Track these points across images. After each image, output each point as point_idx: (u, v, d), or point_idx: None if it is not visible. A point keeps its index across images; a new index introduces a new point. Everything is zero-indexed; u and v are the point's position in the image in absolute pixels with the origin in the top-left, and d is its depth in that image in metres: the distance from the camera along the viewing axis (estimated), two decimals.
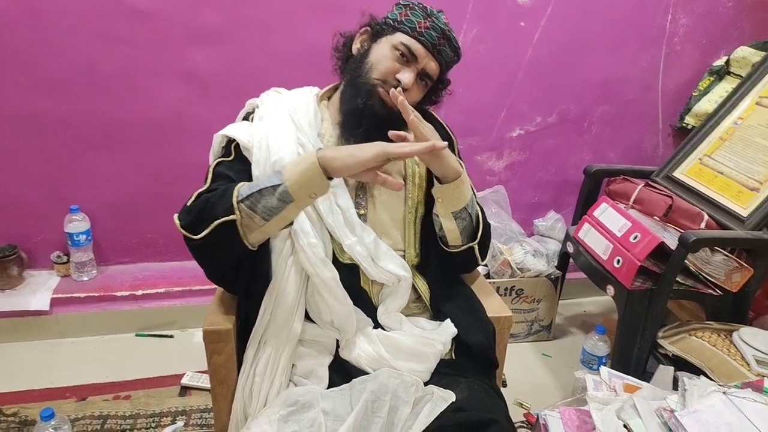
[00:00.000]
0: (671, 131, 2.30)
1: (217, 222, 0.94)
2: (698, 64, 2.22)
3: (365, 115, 1.08)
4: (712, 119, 1.89)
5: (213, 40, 1.85)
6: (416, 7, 1.10)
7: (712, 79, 2.18)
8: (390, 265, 1.10)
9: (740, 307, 1.64)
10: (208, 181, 1.06)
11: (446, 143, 0.99)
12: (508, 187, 2.23)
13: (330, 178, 0.92)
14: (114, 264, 2.11)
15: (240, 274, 1.07)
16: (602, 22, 2.08)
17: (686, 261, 1.53)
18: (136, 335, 1.99)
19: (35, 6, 1.72)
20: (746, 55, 2.08)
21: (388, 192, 1.14)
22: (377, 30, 1.12)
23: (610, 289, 1.63)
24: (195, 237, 0.97)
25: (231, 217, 0.93)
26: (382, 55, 1.09)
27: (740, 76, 2.09)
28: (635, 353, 1.61)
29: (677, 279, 1.54)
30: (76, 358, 1.87)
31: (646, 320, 1.58)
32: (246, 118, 1.17)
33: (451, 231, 1.12)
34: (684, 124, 2.20)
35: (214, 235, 0.95)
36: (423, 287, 1.18)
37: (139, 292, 1.99)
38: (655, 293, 1.55)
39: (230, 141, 1.10)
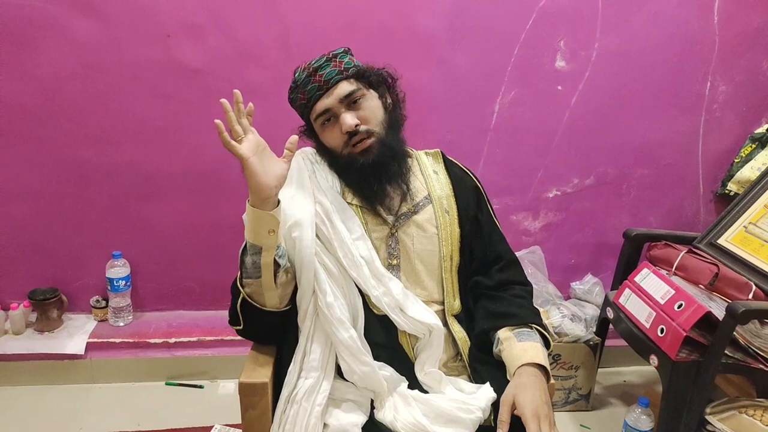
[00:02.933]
0: (713, 197, 2.26)
1: (238, 308, 1.06)
2: (739, 130, 2.20)
3: (366, 175, 1.11)
4: (756, 187, 1.85)
5: (256, 96, 1.91)
6: (297, 81, 1.13)
7: (754, 146, 2.16)
8: (419, 314, 1.09)
9: None
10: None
11: None
12: (544, 248, 2.20)
13: (269, 209, 0.96)
14: (150, 311, 2.14)
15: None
16: (640, 87, 2.09)
17: (735, 333, 1.46)
18: (166, 384, 1.99)
19: (93, 62, 1.83)
20: None
21: (421, 241, 1.15)
22: (307, 129, 1.18)
23: (654, 360, 1.56)
24: (239, 327, 1.09)
25: (241, 296, 1.04)
26: (327, 138, 1.13)
27: None
28: (681, 429, 1.52)
29: (725, 352, 1.47)
30: (107, 404, 1.87)
31: (693, 394, 1.50)
32: None
33: None
34: (726, 191, 2.17)
35: (246, 319, 1.07)
36: (462, 337, 1.15)
37: (172, 340, 2.00)
38: (702, 366, 1.48)
39: None
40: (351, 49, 1.17)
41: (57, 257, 2.01)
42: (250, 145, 0.94)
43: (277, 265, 1.02)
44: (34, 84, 1.83)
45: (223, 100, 0.93)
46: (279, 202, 0.99)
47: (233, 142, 0.92)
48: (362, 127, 1.09)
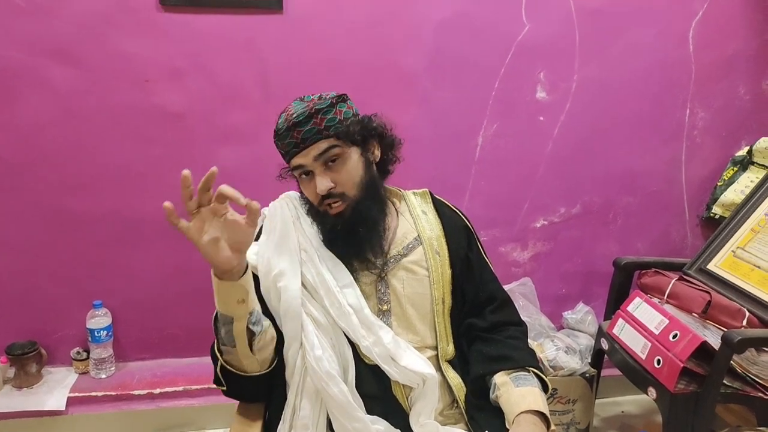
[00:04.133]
0: (699, 221, 2.27)
1: (219, 373, 1.03)
2: (720, 154, 2.22)
3: (335, 237, 1.09)
4: (742, 210, 1.86)
5: (239, 139, 1.91)
6: (279, 130, 1.08)
7: (735, 169, 2.18)
8: (412, 364, 1.05)
9: None
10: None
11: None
12: (534, 278, 2.19)
13: (236, 279, 0.91)
14: (133, 360, 2.06)
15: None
16: (620, 116, 2.11)
17: (731, 362, 1.44)
18: None
19: (72, 110, 1.80)
20: None
21: (412, 284, 1.12)
22: (288, 173, 1.14)
23: (652, 392, 1.53)
24: (224, 389, 1.06)
25: (219, 363, 1.01)
26: (304, 190, 1.11)
27: (764, 165, 2.09)
28: None
29: (724, 381, 1.45)
30: None
31: (694, 426, 1.47)
32: (260, 230, 1.17)
33: None
34: (712, 215, 2.18)
35: (228, 382, 1.03)
36: (457, 384, 1.12)
37: (157, 391, 1.93)
38: (701, 397, 1.46)
39: None
40: (346, 95, 1.11)
41: (35, 309, 1.95)
42: (197, 224, 0.85)
43: (252, 332, 0.97)
44: (12, 134, 1.79)
45: (185, 173, 0.82)
46: (247, 266, 0.93)
47: (182, 223, 0.83)
48: (336, 190, 1.05)
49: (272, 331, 1.03)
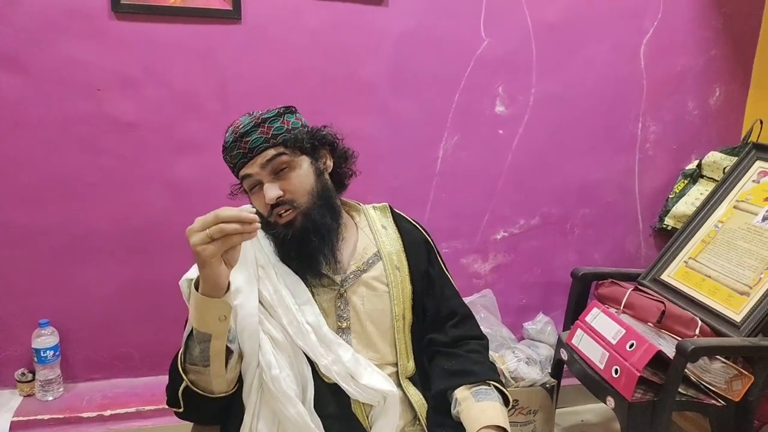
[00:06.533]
0: (652, 232, 2.33)
1: (180, 394, 0.96)
2: (671, 167, 2.30)
3: (287, 249, 1.06)
4: (693, 222, 1.92)
5: (195, 150, 1.86)
6: (226, 143, 1.07)
7: (686, 181, 2.25)
8: (372, 382, 1.03)
9: (744, 417, 1.57)
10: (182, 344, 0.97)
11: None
12: (494, 289, 2.20)
13: (221, 295, 0.87)
14: (83, 381, 1.97)
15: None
16: (576, 129, 2.16)
17: (686, 370, 1.48)
18: None
19: (18, 119, 1.73)
20: (716, 159, 2.16)
21: (372, 300, 1.10)
22: (239, 188, 1.13)
23: (610, 401, 1.56)
24: (179, 410, 0.99)
25: (183, 384, 0.94)
26: (254, 202, 1.08)
27: (713, 179, 2.17)
28: None
29: (679, 390, 1.48)
30: None
31: None
32: None
33: None
34: (664, 226, 2.24)
35: (188, 403, 0.97)
36: (418, 400, 1.10)
37: (108, 413, 1.84)
38: (657, 405, 1.49)
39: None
40: (294, 107, 1.11)
41: None
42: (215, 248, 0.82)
43: (229, 351, 0.94)
44: None
45: None
46: (229, 284, 0.90)
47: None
48: (285, 198, 1.03)
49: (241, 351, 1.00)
